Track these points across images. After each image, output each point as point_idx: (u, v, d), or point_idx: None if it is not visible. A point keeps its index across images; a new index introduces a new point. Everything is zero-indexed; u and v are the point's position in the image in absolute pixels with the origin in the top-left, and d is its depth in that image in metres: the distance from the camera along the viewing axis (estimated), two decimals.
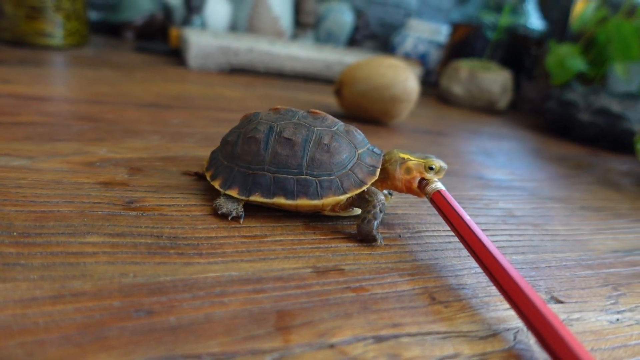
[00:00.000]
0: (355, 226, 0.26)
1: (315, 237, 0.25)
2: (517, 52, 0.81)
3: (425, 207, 0.32)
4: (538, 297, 0.19)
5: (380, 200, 0.25)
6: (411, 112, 0.64)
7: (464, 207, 0.33)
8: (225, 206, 0.25)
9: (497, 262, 0.21)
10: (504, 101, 0.73)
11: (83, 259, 0.20)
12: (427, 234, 0.28)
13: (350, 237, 0.26)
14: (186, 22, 0.80)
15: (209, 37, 0.69)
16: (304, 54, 0.71)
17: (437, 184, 0.26)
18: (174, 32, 0.74)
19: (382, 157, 0.27)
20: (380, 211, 0.25)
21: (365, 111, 0.51)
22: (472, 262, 0.25)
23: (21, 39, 0.62)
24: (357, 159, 0.26)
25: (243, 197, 0.25)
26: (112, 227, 0.22)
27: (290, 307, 0.19)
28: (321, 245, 0.24)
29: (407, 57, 0.96)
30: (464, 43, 0.83)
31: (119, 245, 0.21)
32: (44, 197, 0.24)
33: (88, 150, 0.32)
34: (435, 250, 0.26)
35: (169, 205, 0.26)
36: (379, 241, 0.25)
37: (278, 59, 0.69)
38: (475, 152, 0.49)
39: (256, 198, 0.25)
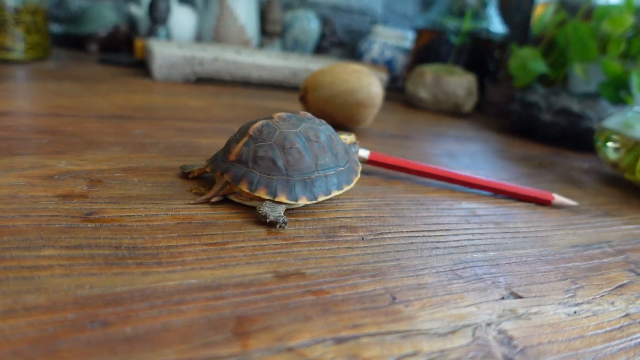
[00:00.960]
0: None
1: (277, 243, 0.25)
2: (480, 56, 0.84)
3: (388, 209, 0.32)
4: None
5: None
6: (377, 117, 0.65)
7: (426, 208, 0.34)
8: (272, 214, 0.27)
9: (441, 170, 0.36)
10: (469, 104, 0.75)
11: (38, 273, 0.19)
12: (389, 235, 0.28)
13: (312, 242, 0.26)
14: (151, 33, 0.80)
15: (173, 47, 0.68)
16: (270, 62, 0.71)
17: (362, 151, 0.39)
18: (139, 43, 0.73)
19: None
20: None
21: (331, 117, 0.51)
22: (434, 261, 0.26)
23: None
24: (345, 146, 0.34)
25: (312, 201, 0.29)
26: (69, 240, 0.22)
27: (250, 312, 0.19)
28: (283, 250, 0.24)
29: (374, 63, 0.98)
30: (429, 48, 0.85)
31: (75, 257, 0.21)
32: None
33: (47, 163, 0.31)
34: (397, 251, 0.26)
35: (129, 215, 0.25)
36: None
37: (244, 68, 0.70)
38: (440, 155, 0.50)
39: (321, 198, 0.29)
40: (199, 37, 0.88)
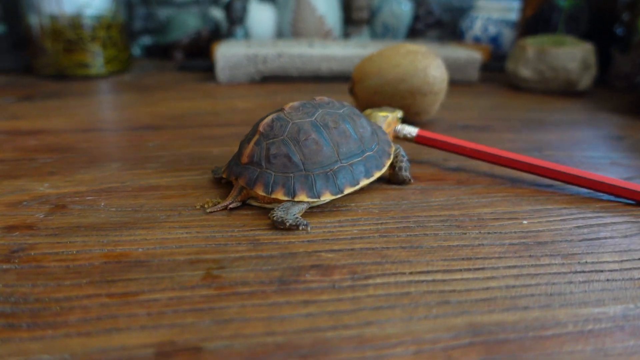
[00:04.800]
0: (391, 176, 0.31)
1: (205, 294, 0.19)
2: (603, 20, 0.66)
3: (401, 237, 0.24)
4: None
5: (402, 150, 0.31)
6: (457, 104, 0.54)
7: (462, 232, 0.24)
8: (289, 218, 0.24)
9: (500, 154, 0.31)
10: (585, 80, 0.59)
11: None
12: (379, 280, 0.20)
13: (255, 291, 0.19)
14: (229, 34, 0.78)
15: (236, 46, 0.65)
16: (340, 52, 0.64)
17: (409, 128, 0.34)
18: (213, 46, 0.72)
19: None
20: (408, 159, 0.31)
21: None
22: (426, 329, 0.17)
23: (63, 72, 0.65)
24: (372, 125, 0.30)
25: (343, 193, 0.26)
26: None
27: None
28: (204, 307, 0.18)
29: (476, 41, 0.84)
30: (538, 18, 0.70)
31: None
32: None
33: (29, 187, 0.29)
34: (376, 308, 0.18)
35: (58, 252, 0.22)
36: (412, 180, 0.31)
37: (311, 62, 0.64)
38: (524, 149, 0.38)
39: (347, 190, 0.26)
40: (279, 33, 0.85)
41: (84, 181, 0.30)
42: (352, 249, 0.23)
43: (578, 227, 0.26)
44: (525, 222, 0.26)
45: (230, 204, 0.26)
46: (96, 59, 0.66)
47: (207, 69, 0.74)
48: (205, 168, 0.33)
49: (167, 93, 0.57)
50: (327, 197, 0.25)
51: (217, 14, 0.86)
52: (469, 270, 0.21)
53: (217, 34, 0.85)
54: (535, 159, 0.31)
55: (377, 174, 0.28)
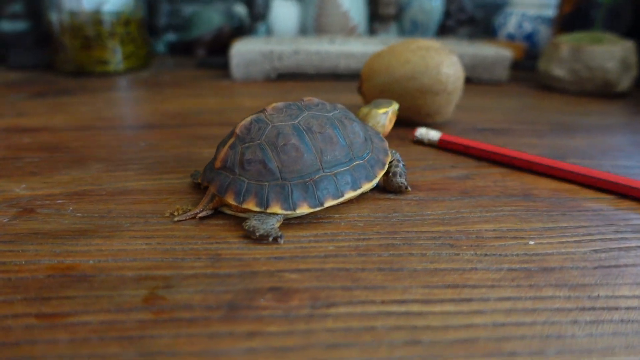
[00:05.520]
0: (385, 183, 0.28)
1: (138, 318, 0.17)
2: None
3: (382, 257, 0.21)
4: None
5: (398, 156, 0.28)
6: (478, 105, 0.50)
7: (454, 253, 0.21)
8: (261, 227, 0.22)
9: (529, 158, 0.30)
10: (626, 81, 0.53)
11: None
12: (342, 310, 0.17)
13: (196, 319, 0.17)
14: (251, 30, 0.77)
15: (252, 43, 0.64)
16: (360, 49, 0.61)
17: (432, 132, 0.35)
18: (233, 43, 0.70)
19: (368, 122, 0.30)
20: (403, 164, 0.28)
21: None
22: None
23: (81, 69, 0.65)
24: (368, 131, 0.28)
25: (320, 206, 0.23)
26: None
27: None
28: (134, 335, 0.16)
29: (510, 39, 0.79)
30: (577, 14, 0.64)
31: None
32: None
33: (5, 188, 0.28)
34: (327, 346, 0.16)
35: (4, 263, 0.20)
36: (409, 189, 0.27)
37: (329, 59, 0.61)
38: (543, 155, 0.34)
39: (329, 203, 0.23)
40: (303, 30, 0.82)
41: (62, 183, 0.29)
42: (321, 270, 0.20)
43: (595, 250, 0.22)
44: (532, 242, 0.22)
45: (200, 212, 0.24)
46: (114, 56, 0.66)
47: (225, 66, 0.73)
48: (189, 171, 0.31)
49: (179, 90, 0.56)
50: (303, 210, 0.23)
51: (241, 10, 0.84)
52: (452, 301, 0.18)
53: (240, 30, 0.84)
54: (552, 160, 0.27)
55: (367, 186, 0.25)
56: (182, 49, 0.87)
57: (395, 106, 0.30)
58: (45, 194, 0.27)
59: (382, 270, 0.20)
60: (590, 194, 0.28)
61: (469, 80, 0.63)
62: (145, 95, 0.53)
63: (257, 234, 0.22)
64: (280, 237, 0.22)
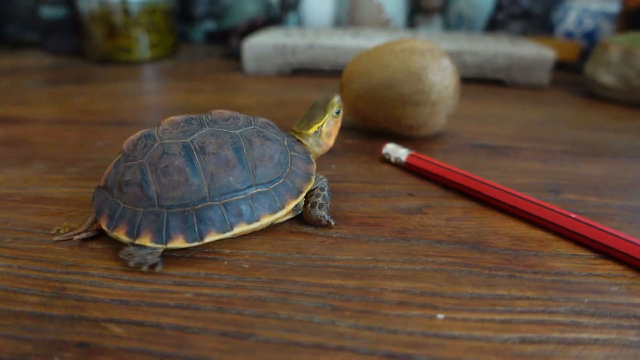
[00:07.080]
0: (304, 214, 0.24)
1: None
2: None
3: (207, 317, 0.17)
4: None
5: (324, 183, 0.24)
6: (477, 114, 0.43)
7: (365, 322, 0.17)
8: (138, 254, 0.20)
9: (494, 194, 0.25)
10: None
11: None
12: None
13: None
14: (281, 21, 0.74)
15: (269, 35, 0.60)
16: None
17: (401, 151, 0.30)
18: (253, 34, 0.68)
19: (302, 142, 0.26)
20: (328, 193, 0.24)
21: (372, 122, 0.35)
22: None
23: (107, 57, 0.66)
24: (289, 152, 0.24)
25: (195, 242, 0.20)
26: None
27: None
28: None
29: (568, 37, 0.70)
30: None
31: None
32: None
33: None
34: None
35: None
36: (332, 223, 0.23)
37: (345, 54, 0.56)
38: (530, 186, 0.28)
39: (211, 237, 0.20)
40: (337, 22, 0.78)
41: None
42: (156, 325, 0.17)
43: (522, 339, 0.17)
44: (440, 316, 0.18)
45: (79, 233, 0.22)
46: (139, 45, 0.66)
47: None
48: None
49: (186, 83, 0.54)
50: (177, 244, 0.20)
51: (274, 0, 0.81)
52: None
53: (275, 21, 0.81)
54: (523, 198, 0.22)
55: (267, 219, 0.21)
56: (219, 38, 0.86)
57: (332, 109, 0.26)
58: None
59: (225, 336, 0.16)
60: (565, 247, 0.22)
61: (500, 84, 0.55)
62: (150, 88, 0.52)
63: (131, 263, 0.19)
64: (158, 264, 0.20)
